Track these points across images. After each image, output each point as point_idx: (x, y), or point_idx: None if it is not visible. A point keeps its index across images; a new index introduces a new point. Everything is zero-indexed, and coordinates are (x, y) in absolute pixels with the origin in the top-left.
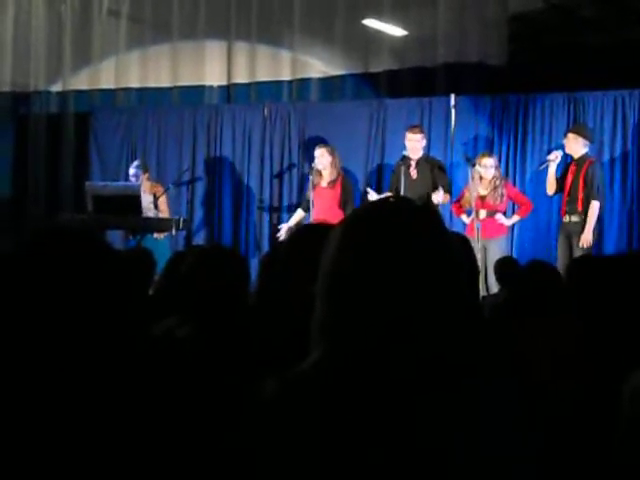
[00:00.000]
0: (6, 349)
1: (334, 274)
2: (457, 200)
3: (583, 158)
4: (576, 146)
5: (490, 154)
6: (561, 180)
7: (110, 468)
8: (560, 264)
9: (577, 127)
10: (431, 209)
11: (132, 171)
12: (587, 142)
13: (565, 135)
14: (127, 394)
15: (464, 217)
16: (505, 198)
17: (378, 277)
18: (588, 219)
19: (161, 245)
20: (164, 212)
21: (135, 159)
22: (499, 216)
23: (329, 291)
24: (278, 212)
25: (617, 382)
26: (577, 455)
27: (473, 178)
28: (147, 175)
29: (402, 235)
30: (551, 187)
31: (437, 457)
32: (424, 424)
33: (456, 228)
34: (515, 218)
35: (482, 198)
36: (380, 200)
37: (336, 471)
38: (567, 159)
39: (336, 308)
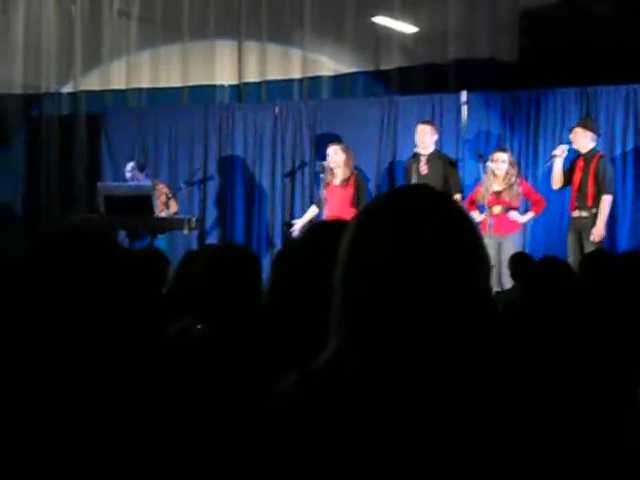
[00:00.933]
0: (20, 348)
1: (352, 260)
2: (470, 196)
3: (592, 152)
4: (585, 140)
5: (504, 149)
6: (568, 175)
7: (118, 466)
8: (571, 259)
9: (584, 121)
10: (449, 196)
11: (128, 175)
12: (595, 136)
13: (571, 130)
14: (141, 392)
15: (475, 214)
16: (520, 197)
17: (397, 264)
18: (600, 213)
19: (161, 244)
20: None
21: (146, 159)
22: (513, 214)
23: (347, 278)
24: (290, 210)
25: (630, 380)
26: (593, 455)
27: (487, 174)
28: (145, 173)
29: (422, 222)
30: (557, 182)
31: (449, 452)
32: (438, 419)
33: None
34: (530, 215)
35: (497, 194)
36: (399, 188)
37: (351, 467)
38: (572, 154)
39: (354, 295)
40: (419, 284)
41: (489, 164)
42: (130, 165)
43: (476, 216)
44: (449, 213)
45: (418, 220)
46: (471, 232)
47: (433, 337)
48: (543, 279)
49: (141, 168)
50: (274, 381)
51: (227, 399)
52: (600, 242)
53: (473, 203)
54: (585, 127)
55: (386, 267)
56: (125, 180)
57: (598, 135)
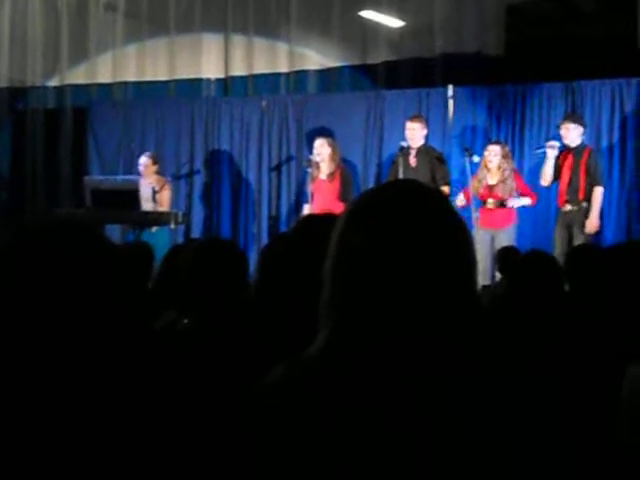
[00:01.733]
0: (2, 345)
1: (342, 253)
2: (466, 189)
3: (581, 146)
4: (575, 135)
5: (497, 142)
6: (556, 170)
7: (112, 463)
8: (557, 253)
9: (574, 116)
10: (439, 190)
11: (143, 159)
12: (584, 130)
13: (559, 125)
14: (126, 388)
15: (472, 208)
16: (514, 192)
17: (386, 257)
18: (593, 205)
19: (161, 237)
20: (164, 206)
21: (134, 153)
22: (510, 200)
23: (337, 270)
24: (277, 204)
25: (616, 374)
26: (577, 450)
27: (481, 167)
28: (156, 168)
29: (411, 214)
30: (548, 178)
31: (444, 448)
32: (426, 411)
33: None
34: (524, 200)
35: (491, 187)
36: (390, 181)
37: (339, 459)
38: (561, 148)
39: (343, 287)
40: (407, 277)
41: (475, 158)
42: (147, 154)
43: (472, 210)
44: (437, 208)
45: (407, 214)
46: (458, 227)
47: (420, 330)
48: (528, 273)
49: (154, 161)
50: (260, 374)
51: (213, 392)
52: (594, 234)
53: (467, 196)
54: (576, 122)
55: (375, 260)
56: (113, 173)
57: (585, 129)
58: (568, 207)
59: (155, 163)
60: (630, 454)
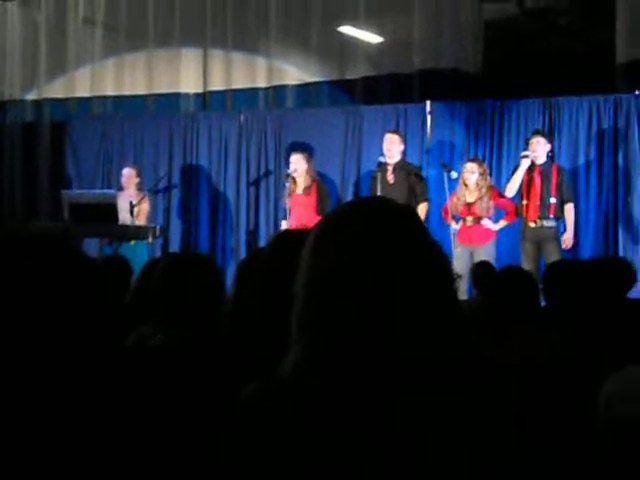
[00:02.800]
0: None
1: (313, 268)
2: (445, 206)
3: (548, 163)
4: (543, 150)
5: (475, 160)
6: (526, 185)
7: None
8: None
9: (542, 132)
10: (411, 208)
11: (126, 171)
12: (551, 147)
13: (529, 141)
14: (96, 404)
15: (453, 223)
16: (491, 210)
17: (357, 272)
18: (568, 221)
19: (139, 251)
20: (141, 220)
21: (111, 167)
22: (485, 221)
23: (308, 286)
24: (255, 219)
25: (593, 387)
26: (554, 461)
27: (459, 184)
28: (138, 181)
29: (382, 231)
30: (514, 189)
31: (413, 460)
32: (402, 426)
33: (439, 235)
34: (502, 223)
35: (469, 205)
36: (360, 199)
37: (317, 475)
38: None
39: (314, 304)
40: (378, 293)
41: (453, 174)
42: (127, 169)
43: (453, 226)
44: (407, 224)
45: (377, 232)
46: (430, 244)
47: (392, 345)
48: (504, 288)
49: (137, 173)
50: (233, 391)
51: (185, 409)
52: (570, 249)
53: (447, 213)
54: (545, 137)
55: (345, 275)
56: (91, 187)
57: (552, 146)
58: (539, 223)
59: (138, 175)
60: (607, 468)
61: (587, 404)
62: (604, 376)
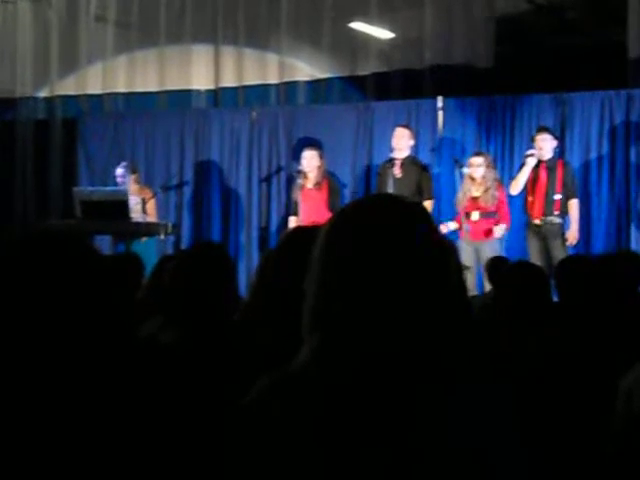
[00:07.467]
0: None
1: (325, 265)
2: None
3: (554, 159)
4: (550, 146)
5: (480, 153)
6: (532, 182)
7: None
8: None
9: (548, 129)
10: (421, 206)
11: (119, 171)
12: (557, 143)
13: (534, 137)
14: (109, 400)
15: (465, 223)
16: (497, 201)
17: (368, 268)
18: (572, 217)
19: (150, 248)
20: (151, 216)
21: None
22: (497, 228)
23: (320, 278)
24: (266, 215)
25: (607, 382)
26: (568, 457)
27: (465, 179)
28: (135, 177)
29: (393, 228)
30: (520, 187)
31: (427, 456)
32: (415, 423)
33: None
34: (503, 227)
35: (474, 199)
36: (371, 195)
37: (334, 471)
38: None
39: (326, 299)
40: (390, 288)
41: (465, 169)
42: (122, 164)
43: (462, 222)
44: (417, 220)
45: (389, 229)
46: (439, 242)
47: (406, 339)
48: (514, 283)
49: (132, 170)
50: (245, 386)
51: (196, 404)
52: (575, 245)
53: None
54: (551, 133)
55: (357, 272)
56: (103, 184)
57: (557, 143)
58: (543, 220)
59: (134, 172)
60: (626, 460)
61: (601, 399)
62: (618, 371)
